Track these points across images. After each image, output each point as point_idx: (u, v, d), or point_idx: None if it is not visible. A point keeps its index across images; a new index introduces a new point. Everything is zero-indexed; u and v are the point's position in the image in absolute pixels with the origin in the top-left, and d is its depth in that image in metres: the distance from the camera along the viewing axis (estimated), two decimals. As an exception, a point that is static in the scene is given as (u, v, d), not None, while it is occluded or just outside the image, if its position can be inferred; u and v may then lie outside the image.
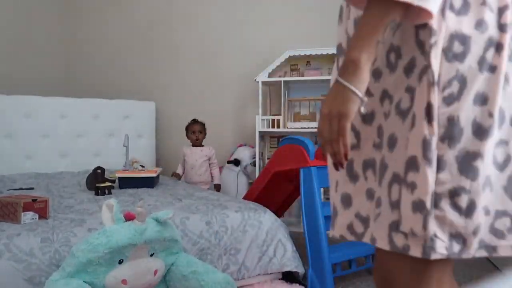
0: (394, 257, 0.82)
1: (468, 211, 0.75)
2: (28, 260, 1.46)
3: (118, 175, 2.62)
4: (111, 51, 4.00)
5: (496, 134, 0.75)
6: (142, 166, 2.83)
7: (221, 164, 3.58)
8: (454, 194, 0.75)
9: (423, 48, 0.76)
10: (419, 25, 0.76)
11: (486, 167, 0.75)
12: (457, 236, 0.75)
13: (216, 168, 3.23)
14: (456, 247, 0.75)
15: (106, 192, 2.37)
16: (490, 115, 0.74)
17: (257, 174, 3.12)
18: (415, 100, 0.77)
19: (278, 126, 3.16)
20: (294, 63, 3.35)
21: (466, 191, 0.74)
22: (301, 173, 2.03)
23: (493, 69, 0.74)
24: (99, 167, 2.42)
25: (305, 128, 3.14)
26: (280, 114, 3.17)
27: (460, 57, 0.74)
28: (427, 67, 0.75)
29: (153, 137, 3.74)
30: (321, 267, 1.87)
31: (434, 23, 0.74)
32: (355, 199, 0.90)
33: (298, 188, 2.42)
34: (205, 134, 3.26)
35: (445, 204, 0.75)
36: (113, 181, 2.60)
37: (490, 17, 0.74)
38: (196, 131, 3.20)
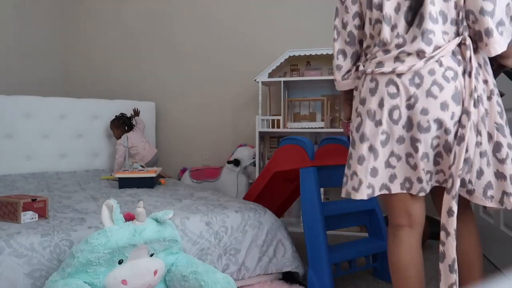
0: None
1: None
2: (28, 254, 1.46)
3: (118, 175, 2.62)
4: (110, 51, 4.00)
5: None
6: (142, 166, 2.83)
7: (221, 164, 3.57)
8: None
9: None
10: None
11: None
12: None
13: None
14: None
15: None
16: None
17: (257, 174, 3.12)
18: None
19: (278, 126, 3.15)
20: (294, 63, 3.35)
21: None
22: (301, 173, 2.03)
23: None
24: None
25: (305, 128, 3.13)
26: (280, 114, 3.17)
27: None
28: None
29: (153, 137, 3.74)
30: (321, 267, 1.86)
31: None
32: None
33: (298, 188, 2.42)
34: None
35: None
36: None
37: None
38: None
